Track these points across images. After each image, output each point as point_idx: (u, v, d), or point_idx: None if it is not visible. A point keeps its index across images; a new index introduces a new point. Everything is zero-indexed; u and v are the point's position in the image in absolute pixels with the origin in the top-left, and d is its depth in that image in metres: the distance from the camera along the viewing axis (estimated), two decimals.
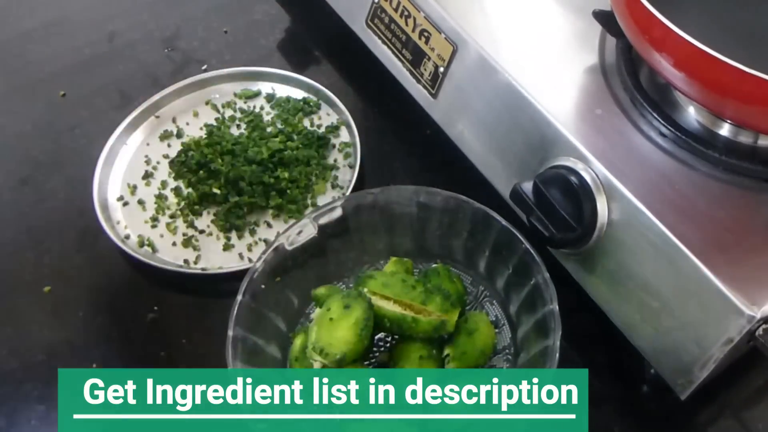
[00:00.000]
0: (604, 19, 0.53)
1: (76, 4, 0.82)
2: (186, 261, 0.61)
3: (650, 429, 0.53)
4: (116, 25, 0.78)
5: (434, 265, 0.56)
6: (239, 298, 0.50)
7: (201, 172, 0.65)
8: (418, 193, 0.55)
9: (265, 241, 0.62)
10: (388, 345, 0.54)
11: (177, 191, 0.66)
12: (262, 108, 0.72)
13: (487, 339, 0.51)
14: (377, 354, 0.54)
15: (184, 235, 0.63)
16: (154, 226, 0.64)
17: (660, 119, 0.50)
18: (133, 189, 0.66)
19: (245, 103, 0.72)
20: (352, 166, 0.67)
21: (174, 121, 0.70)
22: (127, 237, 0.63)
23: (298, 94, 0.73)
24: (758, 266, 0.44)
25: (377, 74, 0.65)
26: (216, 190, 0.64)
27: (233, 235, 0.63)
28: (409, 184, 0.55)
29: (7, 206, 0.65)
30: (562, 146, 0.50)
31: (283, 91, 0.73)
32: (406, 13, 0.60)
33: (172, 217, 0.64)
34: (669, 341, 0.47)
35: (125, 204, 0.65)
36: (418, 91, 0.61)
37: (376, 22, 0.64)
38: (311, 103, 0.71)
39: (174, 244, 0.63)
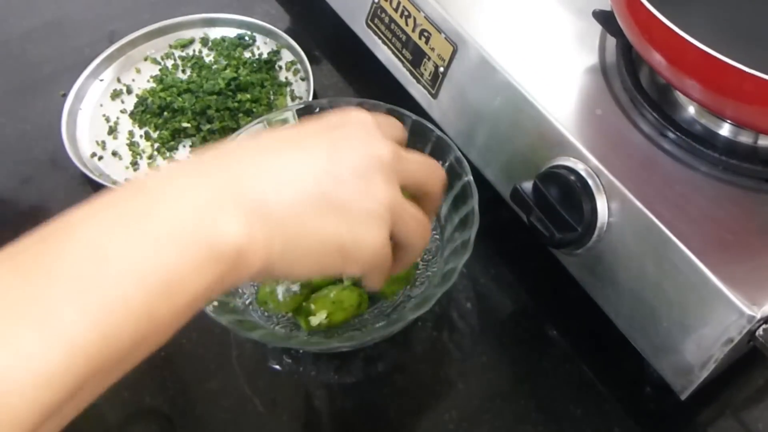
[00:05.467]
0: (604, 18, 0.53)
1: (76, 4, 0.82)
2: None
3: (650, 429, 0.53)
4: (116, 25, 0.78)
5: None
6: None
7: (165, 113, 0.68)
8: (331, 103, 0.58)
9: None
10: None
11: (147, 136, 0.68)
12: (200, 52, 0.75)
13: None
14: None
15: None
16: (136, 170, 0.66)
17: (660, 119, 0.50)
18: (103, 145, 0.68)
19: (183, 51, 0.75)
20: (304, 79, 0.71)
21: (119, 80, 0.73)
22: (115, 183, 0.65)
23: (231, 32, 0.76)
24: (758, 266, 0.44)
25: (377, 74, 0.65)
26: (186, 124, 0.67)
27: None
28: None
29: (8, 206, 0.65)
30: (563, 146, 0.50)
31: (215, 33, 0.77)
32: (406, 13, 0.60)
33: (150, 158, 0.67)
34: (669, 341, 0.47)
35: (100, 158, 0.67)
36: (418, 91, 0.61)
37: (376, 22, 0.64)
38: (247, 37, 0.76)
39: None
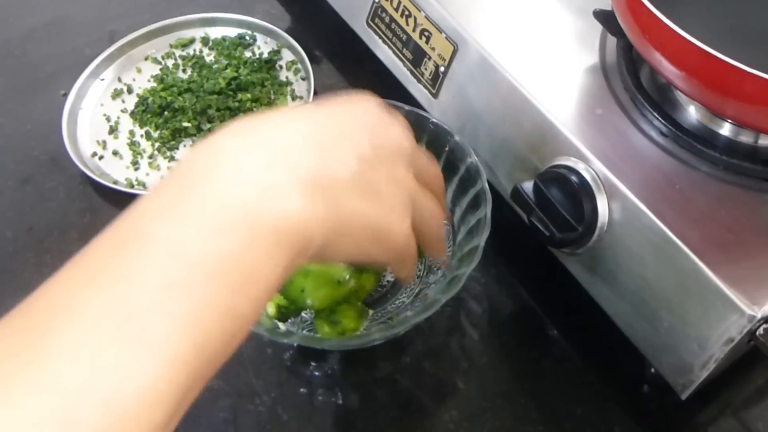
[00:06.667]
0: (605, 18, 0.53)
1: (76, 4, 0.82)
2: None
3: (650, 429, 0.53)
4: (116, 25, 0.78)
5: None
6: None
7: (166, 113, 0.68)
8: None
9: None
10: None
11: (147, 135, 0.68)
12: (201, 51, 0.75)
13: None
14: None
15: (168, 168, 0.66)
16: (136, 169, 0.66)
17: (660, 119, 0.50)
18: (104, 144, 0.68)
19: (183, 50, 0.75)
20: (304, 78, 0.72)
21: (120, 80, 0.73)
22: (115, 183, 0.65)
23: (232, 32, 0.76)
24: (758, 266, 0.44)
25: (378, 74, 0.65)
26: (187, 124, 0.67)
27: None
28: None
29: (8, 206, 0.65)
30: (563, 146, 0.50)
31: (216, 32, 0.77)
32: (406, 12, 0.60)
33: (150, 157, 0.67)
34: (669, 341, 0.47)
35: (101, 158, 0.67)
36: (418, 91, 0.61)
37: (376, 21, 0.64)
38: (247, 37, 0.76)
39: (162, 178, 0.65)
